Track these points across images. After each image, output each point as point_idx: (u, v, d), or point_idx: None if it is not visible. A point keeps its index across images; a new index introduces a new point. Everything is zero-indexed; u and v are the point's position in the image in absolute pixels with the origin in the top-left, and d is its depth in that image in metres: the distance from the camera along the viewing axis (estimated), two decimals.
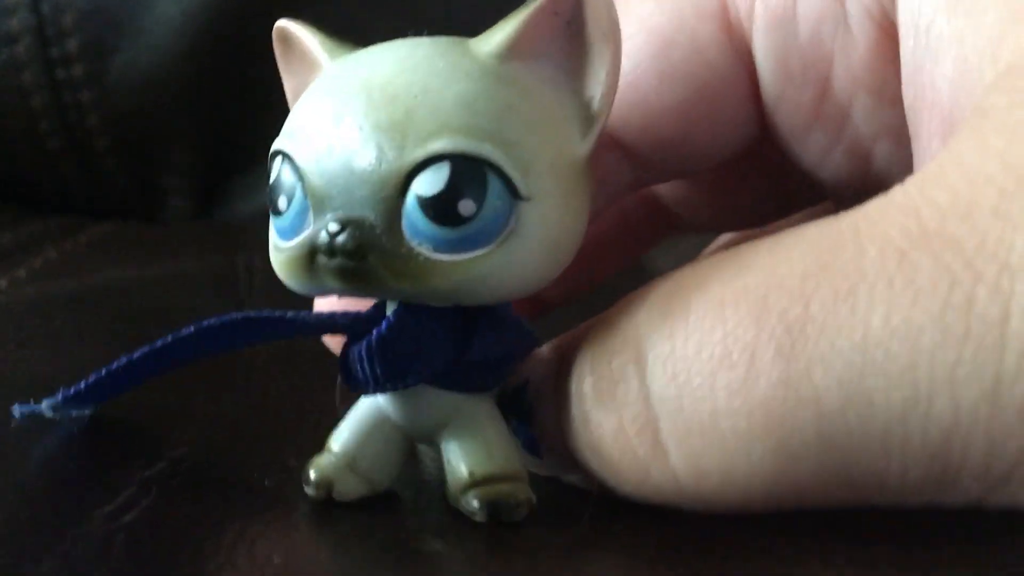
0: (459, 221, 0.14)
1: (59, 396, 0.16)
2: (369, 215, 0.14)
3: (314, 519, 0.16)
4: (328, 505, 0.16)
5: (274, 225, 0.16)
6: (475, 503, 0.16)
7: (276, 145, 0.16)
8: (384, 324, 0.15)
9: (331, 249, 0.14)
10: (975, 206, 0.12)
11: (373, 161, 0.14)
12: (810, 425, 0.12)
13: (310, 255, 0.15)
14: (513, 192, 0.14)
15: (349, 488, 0.16)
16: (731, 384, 0.13)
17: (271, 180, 0.16)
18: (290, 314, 0.16)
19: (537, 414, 0.16)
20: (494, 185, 0.14)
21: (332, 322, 0.16)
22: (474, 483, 0.16)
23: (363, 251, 0.14)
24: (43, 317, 0.23)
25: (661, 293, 0.14)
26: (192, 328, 0.15)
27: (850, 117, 0.18)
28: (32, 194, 0.43)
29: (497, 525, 0.16)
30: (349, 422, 0.17)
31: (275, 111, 0.45)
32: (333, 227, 0.14)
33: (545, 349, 0.17)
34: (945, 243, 0.12)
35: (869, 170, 0.18)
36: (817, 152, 0.18)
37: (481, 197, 0.14)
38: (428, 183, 0.14)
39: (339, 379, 0.17)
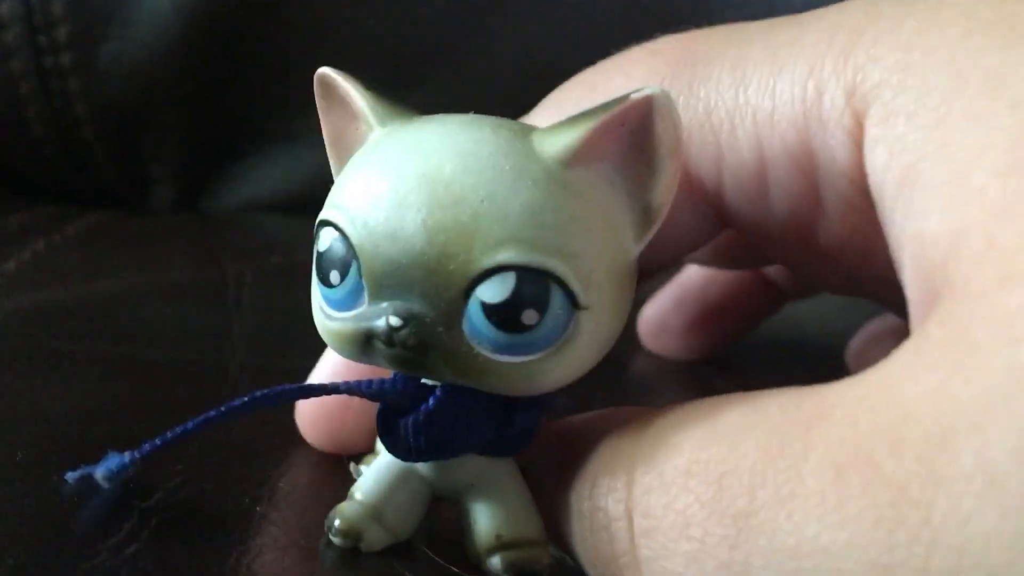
0: (521, 328, 0.15)
1: (111, 463, 0.17)
2: (430, 312, 0.15)
3: (305, 546, 0.17)
4: (319, 534, 0.17)
5: (322, 293, 0.16)
6: (500, 566, 0.16)
7: (326, 215, 0.16)
8: (432, 402, 0.16)
9: (391, 341, 0.15)
10: (903, 444, 0.12)
11: (438, 261, 0.14)
12: None
13: (366, 337, 0.15)
14: (573, 302, 0.15)
15: (375, 539, 0.17)
16: (687, 554, 0.14)
17: (319, 249, 0.16)
18: (342, 384, 0.16)
19: (538, 494, 0.17)
20: (556, 296, 0.15)
21: (380, 392, 0.16)
22: (501, 545, 0.16)
23: (424, 347, 0.15)
24: (43, 334, 0.24)
25: (651, 439, 0.15)
26: (246, 398, 0.16)
27: (838, 268, 0.18)
28: (17, 180, 0.43)
29: None
30: (375, 473, 0.17)
31: (262, 103, 0.46)
32: (394, 321, 0.15)
33: (550, 433, 0.18)
34: (874, 474, 0.12)
35: (867, 297, 0.19)
36: (818, 274, 0.19)
37: (544, 307, 0.15)
38: (493, 291, 0.14)
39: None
